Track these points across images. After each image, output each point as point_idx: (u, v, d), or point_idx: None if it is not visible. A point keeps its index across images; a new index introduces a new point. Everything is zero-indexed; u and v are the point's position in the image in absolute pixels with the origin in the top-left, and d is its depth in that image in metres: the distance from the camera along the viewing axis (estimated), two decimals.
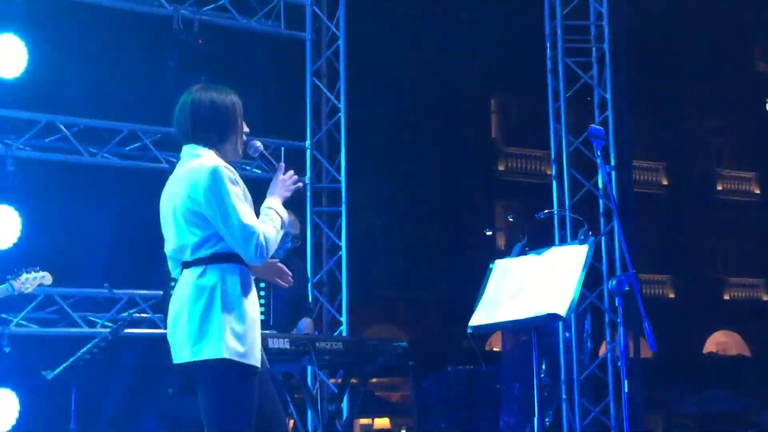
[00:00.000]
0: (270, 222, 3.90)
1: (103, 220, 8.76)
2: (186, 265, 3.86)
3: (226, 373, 3.75)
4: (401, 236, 25.41)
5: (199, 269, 3.82)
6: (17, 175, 8.07)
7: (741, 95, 30.07)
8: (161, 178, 8.63)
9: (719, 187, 30.60)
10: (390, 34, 23.03)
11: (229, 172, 3.82)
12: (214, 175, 3.79)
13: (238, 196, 3.81)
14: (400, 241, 25.42)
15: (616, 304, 4.53)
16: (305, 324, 6.92)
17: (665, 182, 29.65)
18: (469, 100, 26.64)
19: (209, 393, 3.81)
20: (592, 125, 4.44)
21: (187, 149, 3.97)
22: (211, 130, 3.93)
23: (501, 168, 27.48)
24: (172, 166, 8.59)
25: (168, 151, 8.87)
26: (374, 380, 23.03)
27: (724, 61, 29.34)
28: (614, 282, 4.35)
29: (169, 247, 3.94)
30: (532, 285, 4.98)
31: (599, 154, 4.41)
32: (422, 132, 25.06)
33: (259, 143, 4.10)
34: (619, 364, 8.82)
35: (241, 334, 3.77)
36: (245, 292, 3.85)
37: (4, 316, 7.79)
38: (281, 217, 3.96)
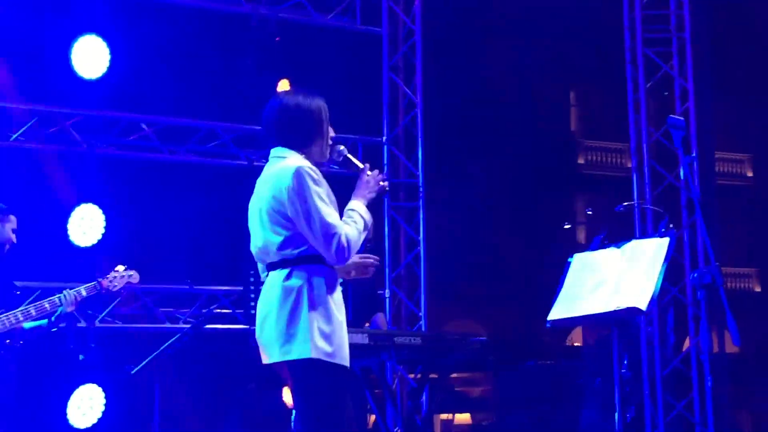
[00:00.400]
0: (352, 223, 3.92)
1: (183, 217, 8.88)
2: (272, 266, 3.90)
3: (315, 373, 3.79)
4: (480, 231, 25.30)
5: (285, 271, 3.86)
6: (100, 174, 8.23)
7: None
8: (240, 175, 8.83)
9: None
10: (466, 27, 22.94)
11: (312, 173, 3.85)
12: (298, 175, 3.82)
13: (321, 196, 3.84)
14: (479, 236, 25.32)
15: (698, 298, 4.43)
16: (378, 318, 6.94)
17: (750, 174, 29.05)
18: (548, 93, 26.39)
19: (300, 393, 3.87)
20: (671, 116, 4.36)
21: (274, 152, 4.03)
22: (297, 133, 3.98)
23: (581, 161, 27.20)
24: (251, 163, 8.76)
25: (247, 148, 8.97)
26: (454, 375, 22.98)
27: None
28: (696, 275, 4.26)
29: (255, 248, 3.99)
30: (611, 278, 4.91)
31: (679, 145, 4.33)
32: (500, 126, 24.90)
33: (343, 147, 4.14)
34: (702, 358, 8.69)
35: (328, 334, 3.80)
36: (331, 293, 3.88)
37: (89, 312, 7.93)
38: (364, 219, 3.98)
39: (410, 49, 9.75)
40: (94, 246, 8.17)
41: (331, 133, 4.08)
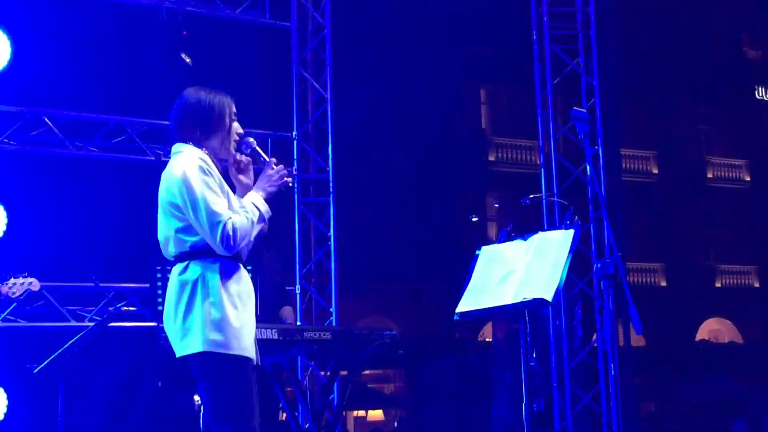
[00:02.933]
0: (243, 213, 3.92)
1: (89, 213, 8.72)
2: (172, 261, 3.96)
3: (210, 366, 3.81)
4: (392, 227, 25.40)
5: (181, 265, 3.92)
6: (2, 170, 8.03)
7: (730, 82, 30.10)
8: (147, 170, 8.68)
9: (709, 175, 30.64)
10: (376, 23, 22.99)
11: (202, 163, 3.90)
12: (187, 167, 3.88)
13: (210, 185, 3.87)
14: (391, 232, 25.41)
15: (602, 288, 4.50)
16: (287, 312, 6.92)
17: (655, 171, 29.67)
18: (459, 90, 26.61)
19: (201, 387, 3.88)
20: (574, 108, 4.42)
21: (174, 148, 4.08)
22: (194, 128, 4.02)
23: (491, 158, 27.48)
24: (159, 159, 8.63)
25: (154, 143, 8.84)
26: (367, 372, 23.02)
27: (714, 48, 29.37)
28: (600, 265, 4.32)
29: (159, 242, 4.04)
30: (518, 270, 4.94)
31: (583, 137, 4.39)
32: (411, 122, 25.02)
33: (252, 140, 4.16)
34: (606, 347, 8.84)
35: (221, 326, 3.81)
36: (227, 285, 3.87)
37: None
38: (259, 210, 3.98)
39: (320, 44, 9.71)
40: None
41: (238, 129, 4.09)
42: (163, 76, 8.93)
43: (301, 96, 9.69)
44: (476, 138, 27.44)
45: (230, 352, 3.80)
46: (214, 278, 3.85)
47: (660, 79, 28.52)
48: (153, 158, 8.70)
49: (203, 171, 3.89)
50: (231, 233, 3.83)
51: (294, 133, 9.62)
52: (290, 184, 4.16)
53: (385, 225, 25.36)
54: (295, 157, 9.59)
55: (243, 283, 3.95)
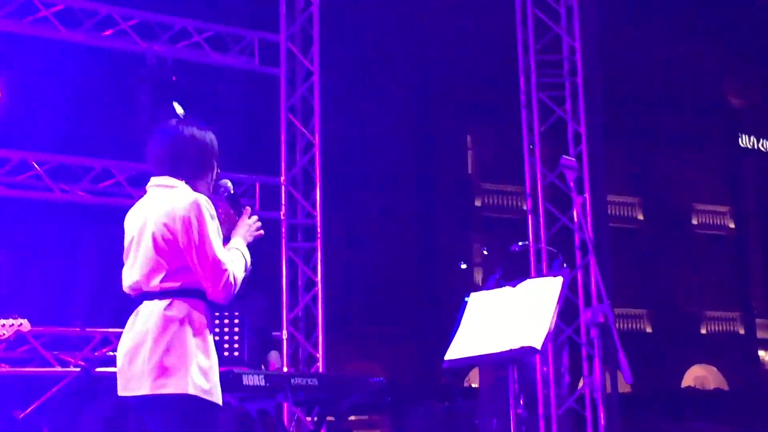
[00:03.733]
0: (237, 262, 3.85)
1: (75, 257, 8.70)
2: (149, 296, 3.76)
3: (190, 409, 3.69)
4: (378, 272, 25.36)
5: (165, 302, 3.73)
6: None
7: (714, 130, 30.38)
8: None
9: (694, 221, 30.78)
10: (365, 69, 23.12)
11: (209, 206, 3.79)
12: (197, 206, 3.74)
13: (215, 231, 3.78)
14: (377, 277, 25.37)
15: (591, 337, 4.49)
16: (273, 357, 6.88)
17: (641, 217, 29.79)
18: (446, 136, 26.74)
19: (168, 428, 3.73)
20: (564, 156, 4.44)
21: (159, 180, 3.91)
22: (189, 165, 3.88)
23: (477, 203, 27.55)
24: None
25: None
26: (353, 418, 22.87)
27: (697, 96, 29.63)
28: (589, 313, 4.31)
29: (132, 277, 3.84)
30: (507, 318, 4.93)
31: (572, 185, 4.41)
32: (399, 167, 25.10)
33: (229, 183, 4.10)
34: (595, 396, 8.81)
35: (206, 371, 3.73)
36: (210, 329, 3.81)
37: None
38: (245, 259, 3.92)
39: (308, 90, 9.76)
40: None
41: (217, 170, 4.01)
42: (152, 121, 8.95)
43: (289, 141, 9.71)
44: (463, 183, 27.53)
45: (211, 399, 3.73)
46: (201, 321, 3.75)
47: (645, 127, 28.73)
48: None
49: (211, 215, 3.79)
50: (233, 282, 3.77)
51: (282, 178, 9.63)
52: (261, 237, 4.14)
53: (372, 270, 25.33)
54: (283, 202, 9.59)
55: (213, 331, 3.90)
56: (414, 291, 25.46)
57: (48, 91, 8.56)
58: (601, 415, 8.69)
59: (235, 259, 3.85)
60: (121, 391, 3.79)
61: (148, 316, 3.74)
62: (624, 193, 29.09)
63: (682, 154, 30.29)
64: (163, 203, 3.80)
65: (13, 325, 5.74)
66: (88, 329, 8.05)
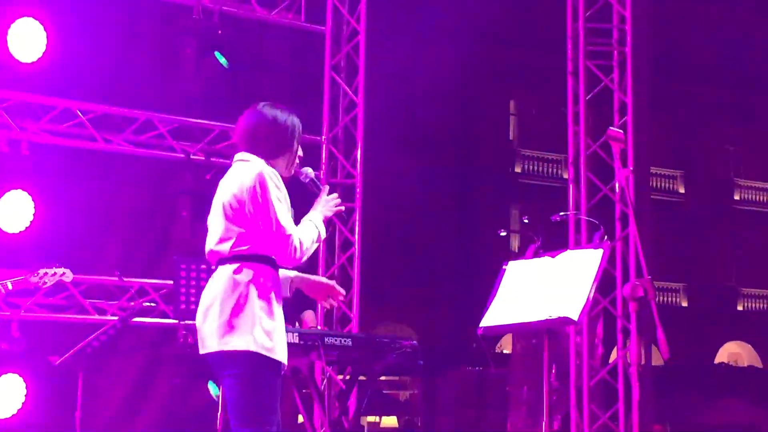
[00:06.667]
0: (307, 231, 4.13)
1: (116, 208, 8.73)
2: (222, 261, 4.07)
3: (253, 366, 3.95)
4: (416, 234, 25.37)
5: (235, 265, 4.02)
6: (32, 160, 8.05)
7: (760, 103, 29.91)
8: (176, 167, 8.68)
9: (736, 197, 30.45)
10: (411, 31, 22.98)
11: (274, 176, 4.07)
12: (260, 176, 4.03)
13: (280, 200, 4.05)
14: (414, 240, 25.37)
15: (629, 310, 4.45)
16: (308, 316, 6.91)
17: (682, 190, 29.52)
18: (489, 101, 26.57)
19: (235, 384, 4.00)
20: (611, 128, 4.38)
21: (239, 155, 4.23)
22: (266, 144, 4.18)
23: (518, 170, 27.41)
24: (188, 156, 8.63)
25: (184, 141, 8.84)
26: (383, 378, 23.00)
27: (744, 69, 29.17)
28: (629, 287, 4.28)
29: (210, 242, 4.14)
30: (544, 288, 4.92)
31: (617, 157, 4.36)
32: (440, 130, 25.00)
33: (310, 170, 4.40)
34: (630, 370, 8.77)
35: (269, 330, 3.98)
36: (276, 293, 4.07)
37: (14, 300, 7.76)
38: (319, 230, 4.20)
39: (353, 49, 9.70)
40: (21, 233, 7.99)
41: (300, 152, 4.31)
42: (196, 75, 8.96)
43: (332, 100, 9.69)
44: (504, 149, 27.39)
45: (274, 357, 3.98)
46: (267, 284, 4.02)
47: (691, 98, 28.39)
48: (182, 155, 8.70)
49: (275, 185, 4.05)
50: (298, 247, 4.02)
51: (323, 136, 9.61)
52: (342, 214, 4.40)
53: (410, 233, 25.34)
54: (323, 161, 9.58)
55: (281, 295, 4.13)
56: (450, 256, 25.44)
57: (94, 41, 8.54)
58: (635, 388, 8.66)
59: (304, 228, 4.14)
60: (201, 350, 4.10)
61: (219, 278, 4.05)
62: (666, 165, 28.82)
63: (726, 128, 29.92)
64: (236, 175, 4.12)
65: (56, 274, 5.81)
66: (125, 279, 8.10)
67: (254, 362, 3.94)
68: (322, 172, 9.53)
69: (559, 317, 4.72)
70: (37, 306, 8.07)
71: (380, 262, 23.75)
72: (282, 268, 4.12)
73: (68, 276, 5.89)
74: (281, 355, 4.02)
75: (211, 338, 4.01)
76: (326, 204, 4.30)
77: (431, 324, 24.47)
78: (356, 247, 9.48)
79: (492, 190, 26.25)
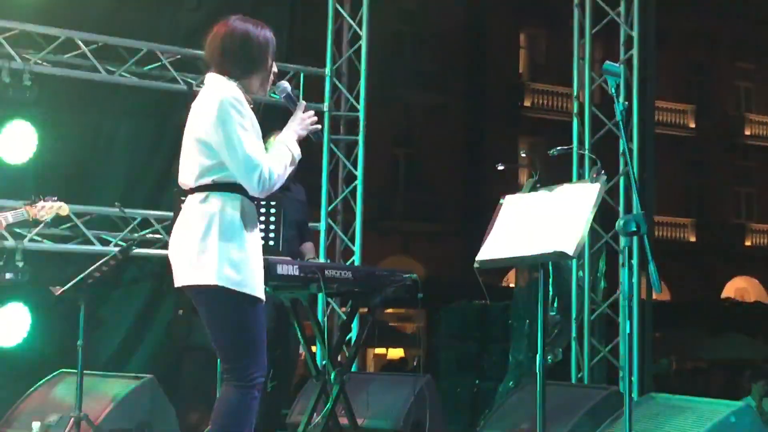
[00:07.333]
0: (278, 156, 3.92)
1: (119, 139, 8.73)
2: (191, 191, 3.91)
3: (219, 300, 3.81)
4: (424, 168, 25.34)
5: (201, 195, 3.86)
6: (34, 90, 8.02)
7: None
8: (178, 98, 8.66)
9: (747, 132, 30.29)
10: None
11: (236, 102, 3.83)
12: (221, 104, 3.81)
13: (244, 126, 3.83)
14: (423, 174, 25.36)
15: (623, 245, 4.46)
16: (307, 248, 6.95)
17: (692, 125, 29.36)
18: (498, 34, 26.34)
19: (206, 318, 3.90)
20: (607, 62, 4.35)
21: (210, 78, 3.99)
22: (238, 62, 3.93)
23: (527, 104, 27.27)
24: (190, 88, 8.59)
25: (187, 72, 8.80)
26: (390, 310, 23.14)
27: (757, 5, 28.80)
28: (622, 222, 4.28)
29: (181, 173, 3.99)
30: (541, 222, 4.91)
31: (614, 92, 4.33)
32: (447, 64, 24.83)
33: (287, 84, 4.15)
34: (624, 304, 8.81)
35: (237, 263, 3.81)
36: (246, 222, 3.88)
37: (17, 230, 7.80)
38: (292, 153, 3.98)
39: None
40: (24, 164, 8.00)
41: (275, 69, 4.07)
42: (198, 5, 8.88)
43: (336, 32, 9.61)
44: (513, 82, 27.21)
45: (243, 290, 3.81)
46: (235, 214, 3.84)
47: (703, 34, 28.10)
48: (185, 87, 8.67)
49: (238, 111, 3.82)
50: (267, 176, 3.82)
51: (327, 69, 9.56)
52: (319, 135, 4.18)
53: (418, 167, 25.33)
54: (327, 94, 9.54)
55: (256, 224, 3.98)
56: (459, 189, 25.44)
57: None
58: (631, 322, 8.71)
59: (275, 153, 3.91)
60: (176, 283, 3.96)
61: (187, 209, 3.90)
62: (678, 100, 28.63)
63: (738, 63, 29.66)
64: (200, 102, 3.91)
65: (52, 207, 5.82)
66: (126, 211, 8.12)
67: (221, 297, 3.78)
68: (325, 104, 9.49)
69: (555, 251, 4.71)
70: (40, 236, 8.11)
71: (388, 196, 23.79)
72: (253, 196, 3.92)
73: (64, 210, 5.89)
74: (252, 288, 3.83)
75: (181, 271, 3.88)
76: (301, 122, 4.05)
77: (440, 257, 24.56)
78: (359, 180, 9.47)
79: (501, 123, 26.15)
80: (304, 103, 4.14)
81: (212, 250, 3.79)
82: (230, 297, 3.79)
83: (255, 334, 3.85)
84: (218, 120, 3.80)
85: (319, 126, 4.18)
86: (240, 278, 3.80)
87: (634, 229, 4.20)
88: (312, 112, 4.12)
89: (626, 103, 8.96)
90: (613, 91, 4.31)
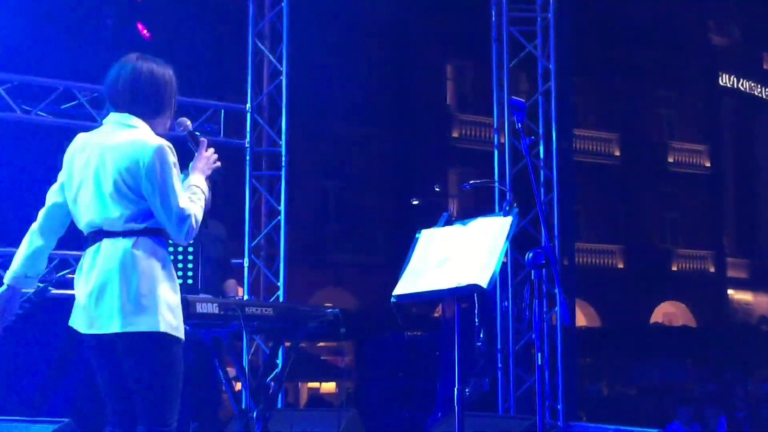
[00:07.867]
0: (198, 202, 3.91)
1: (36, 178, 8.59)
2: (112, 235, 3.80)
3: (160, 345, 3.77)
4: (353, 201, 25.37)
5: (130, 239, 3.78)
6: None
7: (694, 67, 30.29)
8: None
9: (670, 159, 30.85)
10: None
11: (171, 152, 3.81)
12: (160, 154, 3.77)
13: (178, 177, 3.82)
14: (351, 206, 25.38)
15: (533, 278, 4.51)
16: (230, 285, 6.91)
17: (617, 153, 29.81)
18: (425, 65, 26.54)
19: (142, 364, 3.79)
20: (512, 98, 4.41)
21: (119, 117, 3.91)
22: (149, 103, 3.90)
23: (455, 135, 27.47)
24: None
25: (104, 110, 8.71)
26: (321, 344, 23.04)
27: (678, 33, 29.48)
28: (531, 255, 4.33)
29: (89, 215, 3.86)
30: (455, 255, 4.96)
31: (520, 126, 4.39)
32: (374, 96, 24.92)
33: (188, 122, 4.14)
34: (534, 336, 8.89)
35: (174, 308, 3.80)
36: (171, 267, 3.88)
37: None
38: (205, 195, 3.98)
39: (277, 16, 9.60)
40: None
41: (174, 108, 4.04)
42: (116, 43, 8.84)
43: (256, 67, 9.60)
44: (441, 114, 27.40)
45: (178, 335, 3.80)
46: (166, 258, 3.83)
47: (625, 63, 28.60)
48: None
49: (174, 162, 3.81)
50: (195, 226, 3.83)
51: (248, 105, 9.54)
52: (221, 173, 4.15)
53: (347, 199, 25.32)
54: (248, 130, 9.52)
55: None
56: (389, 221, 25.49)
57: (11, 9, 8.38)
58: (542, 354, 8.81)
59: (195, 199, 3.90)
60: (87, 330, 3.84)
61: (112, 254, 3.77)
62: (602, 128, 29.08)
63: (660, 91, 30.25)
64: (125, 146, 3.81)
65: None
66: None
67: (162, 343, 3.76)
68: (247, 141, 9.46)
69: (469, 284, 4.76)
70: None
71: (316, 230, 23.75)
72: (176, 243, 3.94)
73: None
74: (182, 332, 3.84)
75: (108, 319, 3.76)
76: (207, 162, 4.05)
77: (371, 289, 24.52)
78: (282, 215, 9.44)
79: (430, 154, 26.29)
80: (205, 140, 4.12)
81: (153, 296, 3.75)
82: (169, 342, 3.78)
83: (179, 378, 3.84)
84: (155, 169, 3.76)
85: (219, 163, 4.14)
86: (177, 323, 3.80)
87: (543, 261, 4.24)
88: (212, 150, 4.11)
89: (532, 138, 9.10)
90: (519, 126, 4.37)
